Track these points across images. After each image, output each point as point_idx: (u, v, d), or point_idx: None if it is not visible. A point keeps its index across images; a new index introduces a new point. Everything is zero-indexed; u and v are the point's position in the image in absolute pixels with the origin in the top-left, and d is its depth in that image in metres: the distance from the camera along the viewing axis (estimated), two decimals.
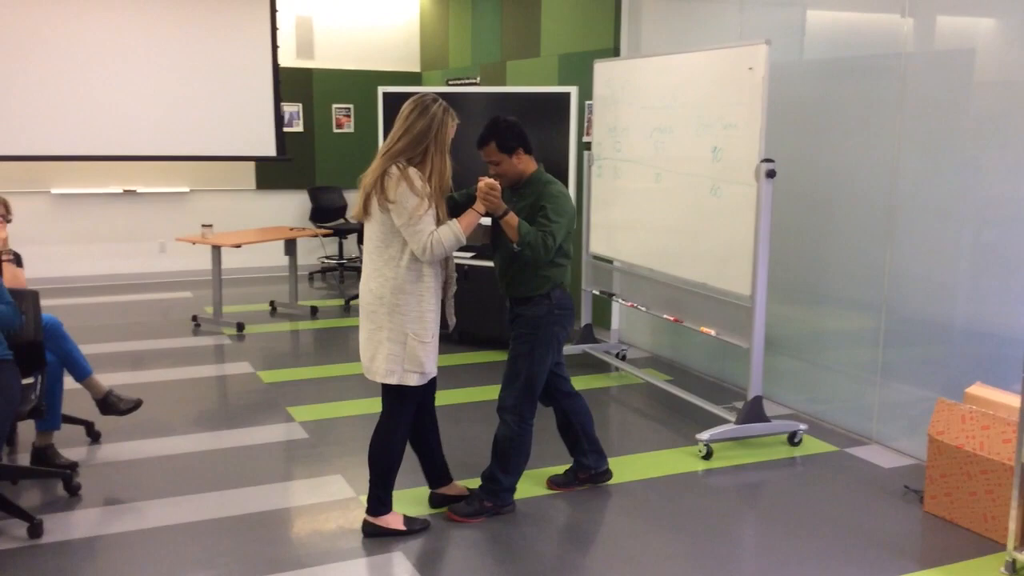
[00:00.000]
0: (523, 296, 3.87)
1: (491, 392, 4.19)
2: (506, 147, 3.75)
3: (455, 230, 3.50)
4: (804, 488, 4.35)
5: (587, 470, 4.25)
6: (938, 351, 4.58)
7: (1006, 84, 4.18)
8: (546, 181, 3.82)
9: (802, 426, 4.92)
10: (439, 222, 3.50)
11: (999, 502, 3.72)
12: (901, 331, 4.76)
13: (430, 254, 3.43)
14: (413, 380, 3.56)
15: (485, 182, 3.58)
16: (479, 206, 3.60)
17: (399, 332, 3.51)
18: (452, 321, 3.76)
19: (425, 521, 3.84)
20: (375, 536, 3.73)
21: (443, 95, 3.63)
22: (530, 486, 4.23)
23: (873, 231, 4.86)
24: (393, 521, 3.76)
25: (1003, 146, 4.18)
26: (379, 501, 3.74)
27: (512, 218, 3.66)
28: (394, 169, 3.43)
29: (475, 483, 4.07)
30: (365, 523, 3.77)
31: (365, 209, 3.51)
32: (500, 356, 4.28)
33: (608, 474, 4.32)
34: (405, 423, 3.70)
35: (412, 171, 3.43)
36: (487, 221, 3.78)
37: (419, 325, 3.52)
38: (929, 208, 4.56)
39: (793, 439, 4.90)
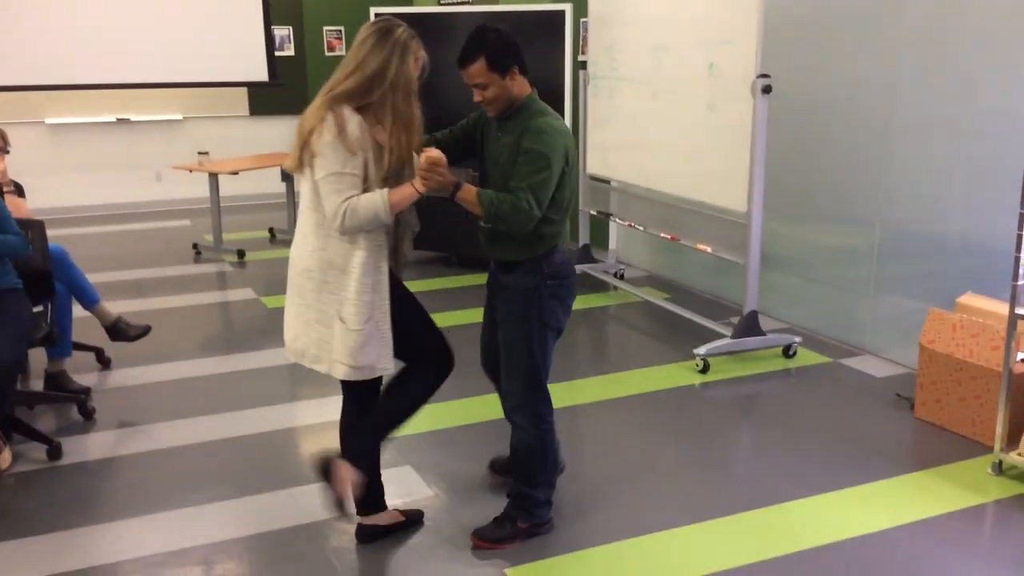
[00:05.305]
0: (508, 260, 3.07)
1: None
2: (499, 65, 2.89)
3: (378, 204, 2.76)
4: (799, 398, 4.47)
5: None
6: (930, 264, 4.65)
7: None
8: (535, 111, 2.97)
9: (797, 339, 5.03)
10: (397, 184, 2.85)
11: (987, 407, 3.84)
12: (895, 245, 4.83)
13: (339, 224, 2.75)
14: (340, 372, 2.90)
15: (426, 157, 2.80)
16: (419, 184, 2.82)
17: (326, 314, 2.88)
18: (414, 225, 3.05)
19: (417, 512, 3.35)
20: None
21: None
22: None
23: (868, 147, 4.88)
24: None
25: (997, 61, 4.19)
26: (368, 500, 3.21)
27: (468, 192, 2.88)
28: (330, 117, 2.75)
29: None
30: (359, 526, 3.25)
31: (300, 160, 2.83)
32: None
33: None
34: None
35: (353, 121, 2.75)
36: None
37: (351, 308, 2.83)
38: (924, 123, 4.58)
39: (788, 352, 5.01)
